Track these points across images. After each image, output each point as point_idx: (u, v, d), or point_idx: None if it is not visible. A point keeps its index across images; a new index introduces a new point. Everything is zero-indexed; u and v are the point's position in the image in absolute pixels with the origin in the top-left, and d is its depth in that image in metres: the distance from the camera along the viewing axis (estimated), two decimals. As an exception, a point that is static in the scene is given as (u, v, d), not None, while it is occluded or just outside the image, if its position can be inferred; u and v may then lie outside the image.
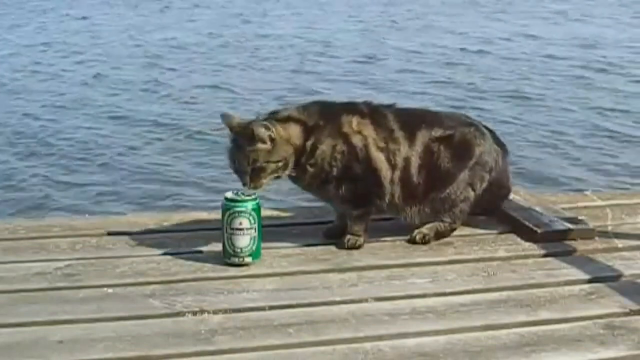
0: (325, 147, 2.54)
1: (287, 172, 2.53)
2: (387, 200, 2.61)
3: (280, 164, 2.49)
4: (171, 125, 7.88)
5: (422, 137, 2.62)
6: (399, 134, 2.60)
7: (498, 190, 2.78)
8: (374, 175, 2.58)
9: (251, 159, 2.47)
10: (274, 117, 2.55)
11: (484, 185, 2.68)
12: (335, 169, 2.55)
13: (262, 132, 2.46)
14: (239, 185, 2.52)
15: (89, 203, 5.94)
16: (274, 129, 2.47)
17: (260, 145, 2.47)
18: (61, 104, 8.75)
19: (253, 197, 2.48)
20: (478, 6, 15.51)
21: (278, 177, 2.53)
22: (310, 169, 2.55)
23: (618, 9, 15.13)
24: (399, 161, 2.59)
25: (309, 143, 2.53)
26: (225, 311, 2.18)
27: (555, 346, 2.02)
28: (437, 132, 2.64)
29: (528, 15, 14.29)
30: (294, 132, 2.53)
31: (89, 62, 10.88)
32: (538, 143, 7.21)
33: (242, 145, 2.49)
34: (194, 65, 10.68)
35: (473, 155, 2.65)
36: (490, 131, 2.76)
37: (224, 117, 2.56)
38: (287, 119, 2.54)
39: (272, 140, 2.47)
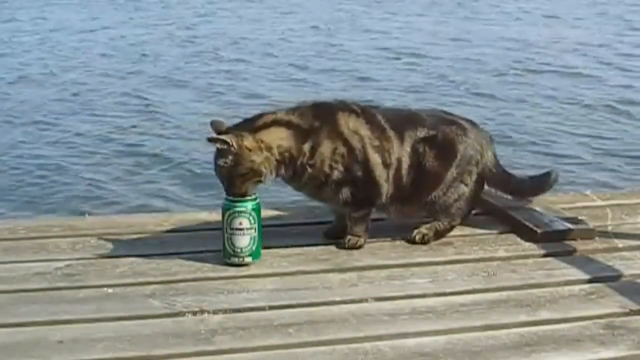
0: (324, 149, 2.53)
1: (272, 177, 2.50)
2: (383, 200, 2.61)
3: (248, 174, 2.45)
4: (165, 124, 7.88)
5: (409, 137, 2.62)
6: (390, 133, 2.60)
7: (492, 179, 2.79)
8: (372, 176, 2.57)
9: (217, 170, 2.48)
10: (249, 125, 2.51)
11: (474, 177, 2.68)
12: (335, 172, 2.54)
13: (217, 147, 2.45)
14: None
15: (86, 204, 5.94)
16: (234, 143, 2.42)
17: (219, 161, 2.45)
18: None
19: (253, 197, 2.48)
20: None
21: (260, 182, 2.49)
22: (309, 170, 2.53)
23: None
24: (393, 160, 2.60)
25: (307, 145, 2.51)
26: (225, 311, 2.18)
27: (555, 346, 2.02)
28: (422, 133, 2.64)
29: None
30: (279, 135, 2.49)
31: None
32: (537, 143, 7.21)
33: (215, 155, 2.49)
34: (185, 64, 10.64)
35: (457, 152, 2.66)
36: (472, 123, 2.76)
37: (213, 123, 2.55)
38: (271, 124, 2.50)
39: (233, 154, 2.43)
